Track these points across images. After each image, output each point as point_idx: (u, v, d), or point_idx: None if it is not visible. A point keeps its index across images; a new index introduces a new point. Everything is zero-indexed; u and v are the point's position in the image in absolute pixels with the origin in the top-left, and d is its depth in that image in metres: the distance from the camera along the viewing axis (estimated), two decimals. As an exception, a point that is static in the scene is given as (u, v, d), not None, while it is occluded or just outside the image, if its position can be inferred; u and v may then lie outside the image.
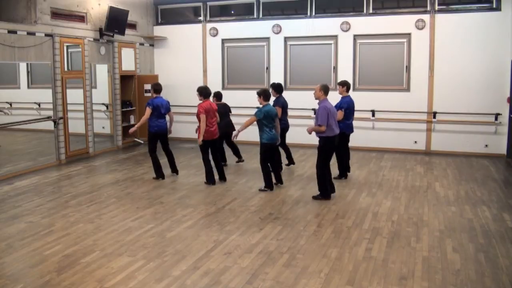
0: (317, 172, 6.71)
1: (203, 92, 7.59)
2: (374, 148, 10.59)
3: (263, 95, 7.14)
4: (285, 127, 8.30)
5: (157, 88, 7.94)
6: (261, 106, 7.18)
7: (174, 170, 8.28)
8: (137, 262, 4.63)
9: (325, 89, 6.61)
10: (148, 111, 7.71)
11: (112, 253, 4.87)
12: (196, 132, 7.65)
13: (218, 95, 8.86)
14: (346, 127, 7.59)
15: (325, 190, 6.72)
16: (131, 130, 7.96)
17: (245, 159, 9.52)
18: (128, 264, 4.59)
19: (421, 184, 7.66)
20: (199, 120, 7.41)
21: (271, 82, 11.10)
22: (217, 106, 7.99)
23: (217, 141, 7.89)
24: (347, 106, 7.54)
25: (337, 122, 6.76)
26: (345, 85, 7.68)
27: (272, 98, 7.81)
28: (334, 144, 6.72)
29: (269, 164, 7.29)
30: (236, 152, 9.14)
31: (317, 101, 6.68)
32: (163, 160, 8.20)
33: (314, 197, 6.78)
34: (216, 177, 7.74)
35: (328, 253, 4.84)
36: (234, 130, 8.81)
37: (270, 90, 7.96)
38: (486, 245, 5.04)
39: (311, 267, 4.50)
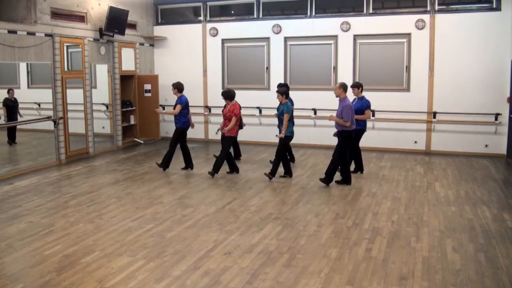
0: (339, 162, 7.36)
1: (228, 95, 8.16)
2: (374, 148, 10.59)
3: (286, 93, 7.94)
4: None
5: (180, 87, 8.52)
6: (281, 103, 7.93)
7: (191, 165, 8.72)
8: (137, 262, 4.63)
9: (345, 87, 7.29)
10: (179, 107, 8.31)
11: (112, 253, 4.87)
12: (220, 129, 8.32)
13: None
14: (364, 124, 8.05)
15: (347, 174, 7.50)
16: (158, 110, 9.20)
17: (245, 159, 9.56)
18: (128, 264, 4.59)
19: (421, 184, 7.67)
20: (230, 119, 8.04)
21: (272, 82, 11.17)
22: None
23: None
24: (370, 105, 8.04)
25: (355, 120, 7.40)
26: (360, 86, 8.04)
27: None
28: (352, 137, 7.49)
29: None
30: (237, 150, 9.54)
31: (337, 98, 7.37)
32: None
33: (338, 182, 7.54)
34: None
35: (328, 253, 4.84)
36: (242, 128, 9.31)
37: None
38: (486, 245, 5.04)
39: (311, 267, 4.50)
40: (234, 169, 8.42)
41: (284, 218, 5.96)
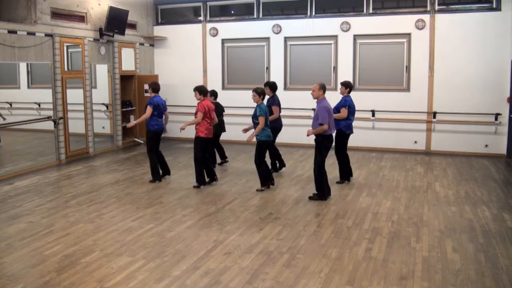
0: (315, 171, 6.68)
1: (202, 90, 7.54)
2: (374, 148, 10.59)
3: (263, 94, 7.18)
4: (279, 127, 8.12)
5: (156, 88, 7.93)
6: (256, 103, 7.13)
7: (167, 171, 8.13)
8: (137, 262, 4.63)
9: (324, 88, 6.69)
10: (149, 110, 7.66)
11: (112, 253, 4.87)
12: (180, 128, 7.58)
13: (214, 93, 8.82)
14: (346, 127, 7.49)
15: (323, 190, 6.72)
16: (129, 124, 8.08)
17: (245, 159, 9.55)
18: (128, 264, 4.59)
19: (421, 184, 7.67)
20: (207, 118, 7.41)
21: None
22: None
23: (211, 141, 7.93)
24: (350, 104, 7.49)
25: (334, 122, 6.79)
26: (348, 87, 7.59)
27: (266, 97, 7.80)
28: (331, 142, 6.80)
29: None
30: (222, 153, 9.14)
31: (315, 100, 6.71)
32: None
33: (310, 197, 6.78)
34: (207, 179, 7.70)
35: (328, 253, 4.84)
36: (225, 131, 8.91)
37: (266, 88, 7.94)
38: (486, 245, 5.04)
39: (311, 267, 4.50)
40: (211, 176, 7.66)
41: (284, 218, 5.96)
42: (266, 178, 7.28)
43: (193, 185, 7.53)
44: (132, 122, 7.93)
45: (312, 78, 11.03)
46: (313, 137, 6.73)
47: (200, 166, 7.49)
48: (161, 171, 8.05)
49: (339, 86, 7.92)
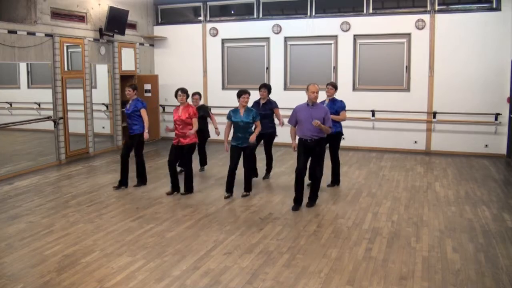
0: (319, 177, 6.44)
1: (188, 94, 7.15)
2: (374, 148, 10.60)
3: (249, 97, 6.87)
4: (274, 132, 7.96)
5: (137, 88, 7.50)
6: (243, 107, 6.78)
7: (144, 180, 7.68)
8: (137, 262, 4.63)
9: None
10: (145, 112, 7.31)
11: (112, 253, 4.87)
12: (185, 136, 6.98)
13: (200, 94, 8.58)
14: (341, 128, 7.37)
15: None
16: (146, 136, 7.33)
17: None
18: (128, 264, 4.59)
19: (421, 184, 7.67)
20: (190, 123, 6.94)
21: (270, 82, 11.10)
22: (198, 108, 7.80)
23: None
24: (345, 106, 7.37)
25: None
26: (337, 88, 7.40)
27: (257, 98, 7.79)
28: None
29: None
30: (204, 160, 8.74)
31: (310, 103, 6.30)
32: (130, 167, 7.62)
33: (310, 206, 6.47)
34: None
35: (328, 253, 4.84)
36: (209, 136, 8.57)
37: (263, 91, 7.79)
38: (486, 245, 5.04)
39: (311, 267, 4.50)
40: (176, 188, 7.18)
41: (284, 218, 5.96)
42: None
43: (181, 193, 7.08)
44: (146, 133, 7.29)
45: (312, 78, 11.01)
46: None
47: (191, 172, 7.17)
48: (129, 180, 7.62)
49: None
